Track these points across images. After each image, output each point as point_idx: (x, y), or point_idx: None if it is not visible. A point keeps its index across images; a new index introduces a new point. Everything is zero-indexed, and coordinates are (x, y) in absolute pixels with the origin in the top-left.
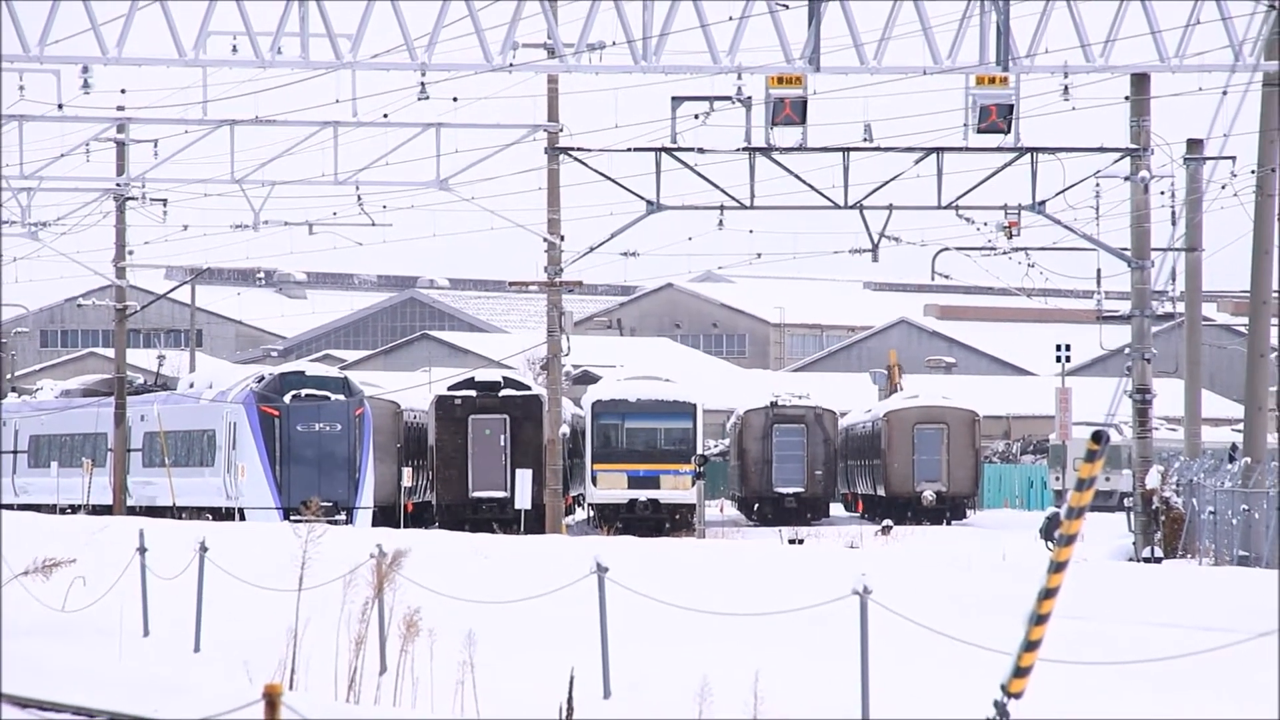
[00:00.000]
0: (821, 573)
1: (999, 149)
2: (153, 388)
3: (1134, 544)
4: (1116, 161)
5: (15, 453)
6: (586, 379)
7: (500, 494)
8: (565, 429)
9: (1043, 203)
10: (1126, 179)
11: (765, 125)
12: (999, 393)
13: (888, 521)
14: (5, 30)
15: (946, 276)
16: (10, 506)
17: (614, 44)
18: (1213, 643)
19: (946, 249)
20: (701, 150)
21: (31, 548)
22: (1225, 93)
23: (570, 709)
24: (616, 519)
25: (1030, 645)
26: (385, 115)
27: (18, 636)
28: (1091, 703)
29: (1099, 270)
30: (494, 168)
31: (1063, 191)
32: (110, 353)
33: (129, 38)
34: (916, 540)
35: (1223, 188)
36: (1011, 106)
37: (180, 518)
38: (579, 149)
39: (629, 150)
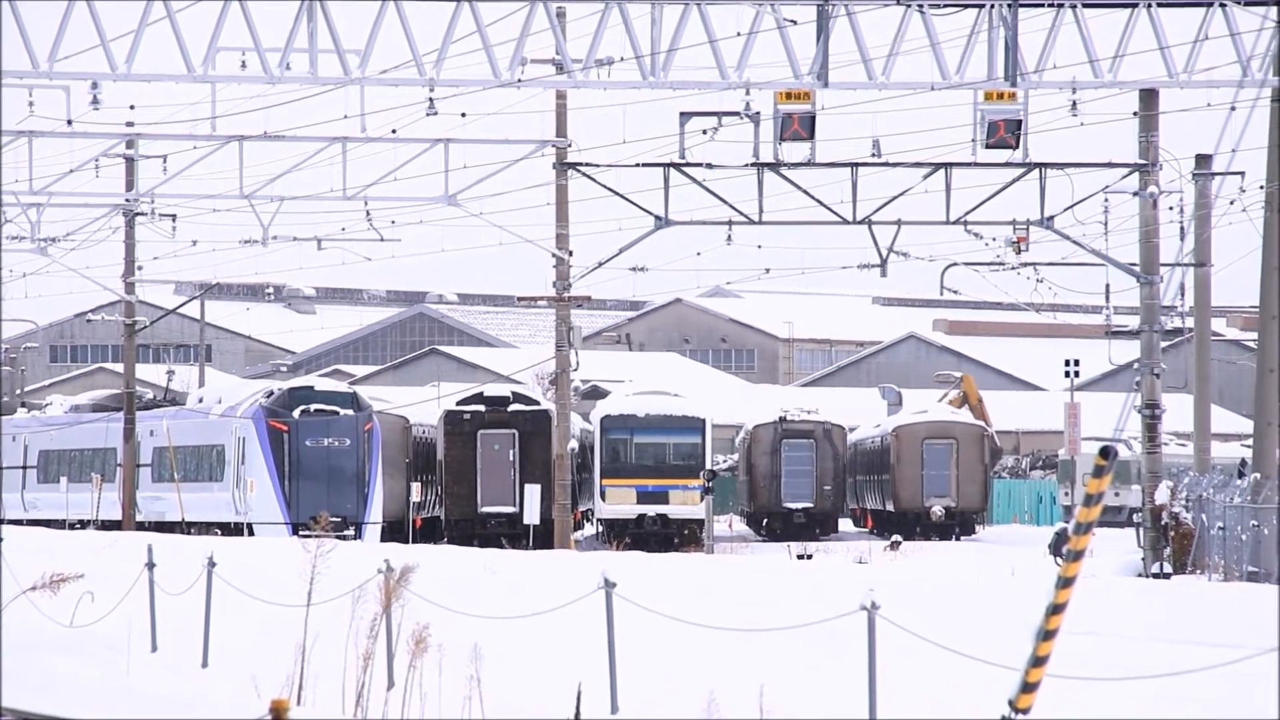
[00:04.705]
0: (830, 588)
1: (1007, 164)
2: (162, 403)
3: (1143, 559)
4: (1125, 177)
5: (25, 468)
6: (595, 394)
7: (509, 509)
8: (574, 444)
9: (1051, 218)
10: (1135, 194)
11: (774, 140)
12: (1008, 408)
13: (896, 537)
14: (9, 46)
15: (955, 291)
16: (20, 522)
17: (622, 59)
18: (1221, 658)
19: (955, 264)
20: (710, 165)
21: (40, 563)
22: (1234, 108)
23: None
24: (625, 534)
25: (1038, 661)
26: (394, 131)
27: (25, 652)
28: (1099, 719)
29: (1108, 285)
30: (502, 183)
31: (1071, 207)
32: (120, 368)
33: (138, 54)
34: (925, 556)
35: (1231, 203)
36: (1020, 122)
37: (189, 533)
38: (587, 164)
39: (637, 165)
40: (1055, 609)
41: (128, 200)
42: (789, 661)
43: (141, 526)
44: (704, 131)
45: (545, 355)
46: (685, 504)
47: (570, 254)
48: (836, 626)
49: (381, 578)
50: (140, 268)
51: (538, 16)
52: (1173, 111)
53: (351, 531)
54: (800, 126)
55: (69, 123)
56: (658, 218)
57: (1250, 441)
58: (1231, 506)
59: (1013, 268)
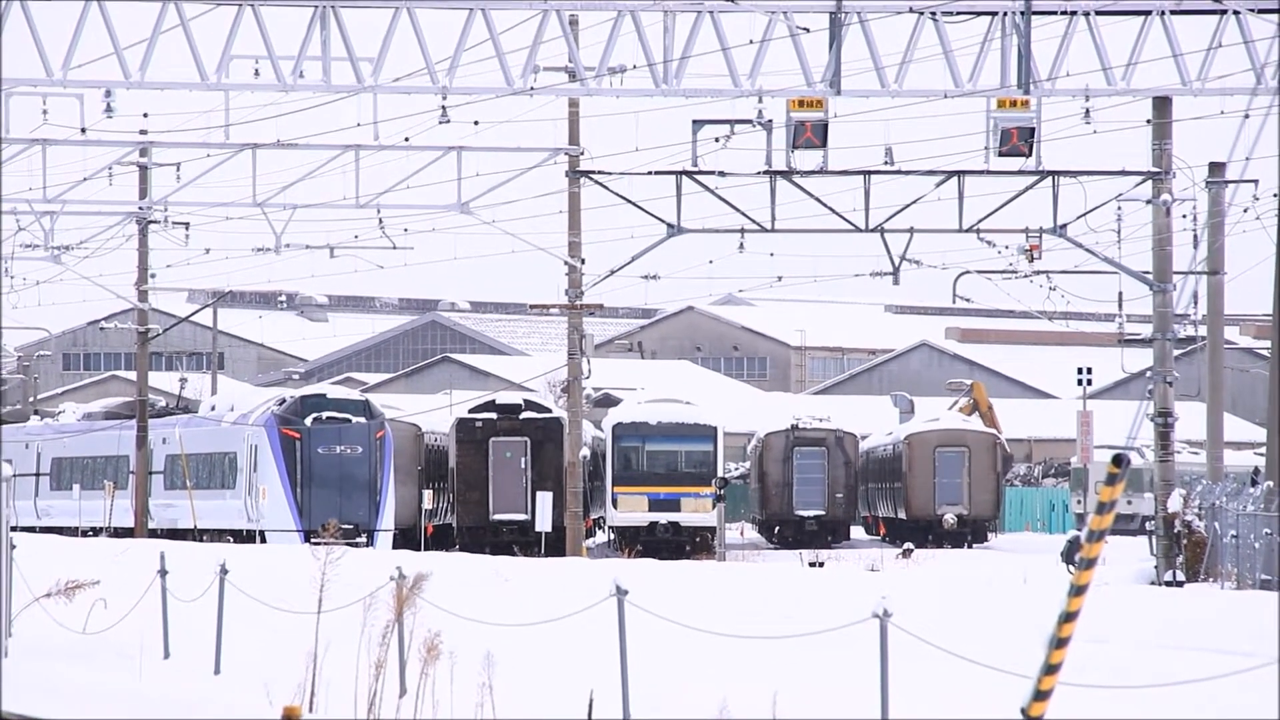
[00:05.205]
0: (842, 595)
1: (1020, 172)
2: (174, 410)
3: (1156, 568)
4: (1138, 185)
5: (38, 475)
6: (607, 402)
7: (521, 516)
8: (586, 451)
9: (1064, 226)
10: (1148, 202)
11: (786, 148)
12: (1021, 415)
13: (908, 545)
14: (24, 54)
15: (968, 300)
16: (33, 529)
17: (635, 67)
18: (1234, 667)
19: (967, 272)
20: (722, 173)
21: (53, 570)
22: (1247, 116)
23: None
24: (637, 542)
25: (1050, 669)
26: (406, 139)
27: (38, 658)
28: None
29: (1120, 293)
30: (515, 191)
31: (1084, 215)
32: (132, 376)
33: (151, 62)
34: (937, 563)
35: (1245, 211)
36: (1033, 129)
37: (201, 540)
38: (600, 172)
39: (650, 173)
40: (1068, 616)
41: (141, 208)
42: (802, 668)
43: (154, 534)
44: (716, 139)
45: (557, 363)
46: (697, 512)
47: (582, 262)
48: (849, 634)
49: (394, 585)
50: (153, 275)
51: (550, 24)
52: (1186, 119)
53: (363, 539)
54: (813, 134)
55: (83, 131)
56: (670, 225)
57: (1263, 449)
58: (1245, 514)
59: (1025, 275)
